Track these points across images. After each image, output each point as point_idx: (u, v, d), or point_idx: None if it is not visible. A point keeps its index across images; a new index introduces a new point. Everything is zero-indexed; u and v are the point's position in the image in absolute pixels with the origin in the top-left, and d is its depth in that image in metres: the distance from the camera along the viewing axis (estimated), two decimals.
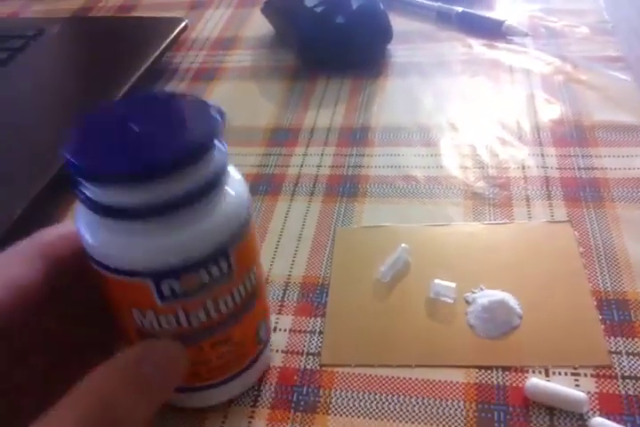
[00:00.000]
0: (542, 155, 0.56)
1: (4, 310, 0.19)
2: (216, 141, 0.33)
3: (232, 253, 0.33)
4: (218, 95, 0.71)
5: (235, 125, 0.65)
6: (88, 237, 0.32)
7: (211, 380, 0.38)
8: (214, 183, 0.32)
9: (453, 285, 0.43)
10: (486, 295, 0.43)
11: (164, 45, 0.76)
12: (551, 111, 0.61)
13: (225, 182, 0.33)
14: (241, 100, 0.70)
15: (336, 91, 0.69)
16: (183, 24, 0.80)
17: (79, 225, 0.32)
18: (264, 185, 0.57)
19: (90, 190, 0.30)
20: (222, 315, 0.35)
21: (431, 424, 0.37)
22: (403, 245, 0.47)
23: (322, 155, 0.60)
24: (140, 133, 0.32)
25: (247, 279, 0.35)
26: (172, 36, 0.78)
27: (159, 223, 0.31)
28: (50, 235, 0.26)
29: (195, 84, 0.74)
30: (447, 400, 0.38)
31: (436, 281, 0.44)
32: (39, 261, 0.24)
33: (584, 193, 0.51)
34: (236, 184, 0.35)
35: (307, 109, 0.66)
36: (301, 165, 0.59)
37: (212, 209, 0.32)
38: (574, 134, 0.57)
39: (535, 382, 0.37)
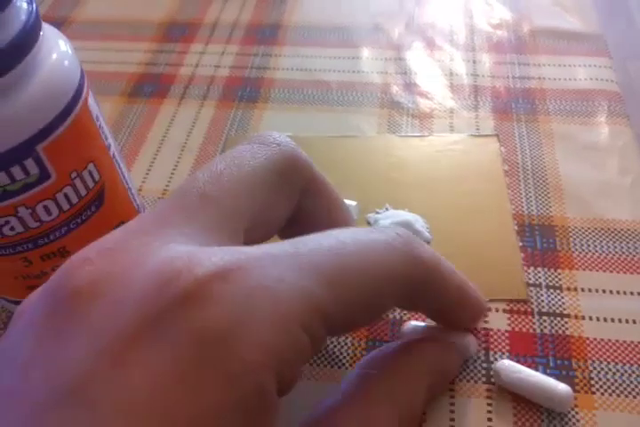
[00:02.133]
0: (474, 61, 0.48)
1: None
2: (19, 2, 0.25)
3: (44, 151, 0.25)
4: None
5: (124, 18, 0.55)
6: None
7: None
8: (4, 63, 0.24)
9: (354, 203, 0.36)
10: (390, 216, 0.36)
11: None
12: (489, 14, 0.53)
13: (31, 60, 0.25)
14: None
15: None
16: None
17: None
18: (150, 86, 0.48)
19: None
20: (46, 223, 0.27)
21: (310, 365, 0.31)
22: None
23: (222, 53, 0.51)
24: None
25: (79, 181, 0.28)
26: None
27: None
28: None
29: None
30: (333, 338, 0.32)
31: None
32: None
33: (516, 105, 0.44)
34: (53, 63, 0.26)
35: (212, 2, 0.57)
36: (197, 65, 0.50)
37: (8, 95, 0.24)
38: (512, 40, 0.50)
39: (413, 326, 0.31)
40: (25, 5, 0.25)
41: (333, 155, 0.41)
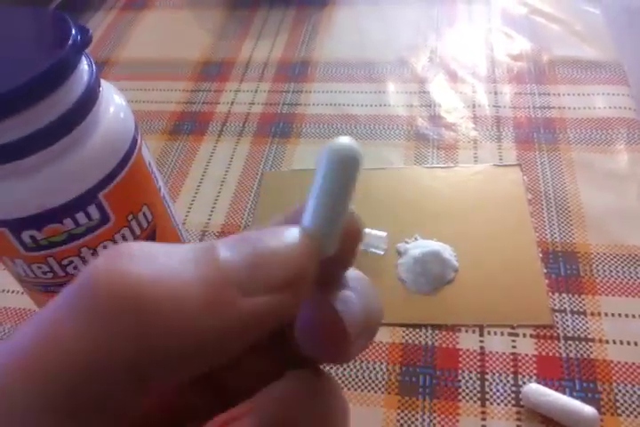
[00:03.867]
0: (495, 92, 0.50)
1: None
2: (82, 65, 0.28)
3: (105, 198, 0.28)
4: (147, 25, 0.64)
5: (162, 58, 0.59)
6: None
7: None
8: (71, 121, 0.27)
9: (384, 234, 0.39)
10: (420, 246, 0.38)
11: None
12: (509, 46, 0.55)
13: (93, 117, 0.28)
14: (172, 30, 0.63)
15: (278, 20, 0.62)
16: None
17: None
18: (189, 124, 0.51)
19: None
20: None
21: (348, 389, 0.33)
22: None
23: (256, 91, 0.54)
24: None
25: (135, 222, 0.30)
26: None
27: (9, 169, 0.26)
28: None
29: (124, 14, 0.66)
30: (369, 362, 0.34)
31: (366, 230, 0.39)
32: None
33: (537, 134, 0.46)
34: (111, 117, 0.29)
35: (244, 41, 0.60)
36: (232, 103, 0.53)
37: (73, 150, 0.27)
38: (532, 71, 0.52)
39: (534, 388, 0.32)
40: (86, 67, 0.28)
41: (364, 187, 0.43)
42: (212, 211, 0.44)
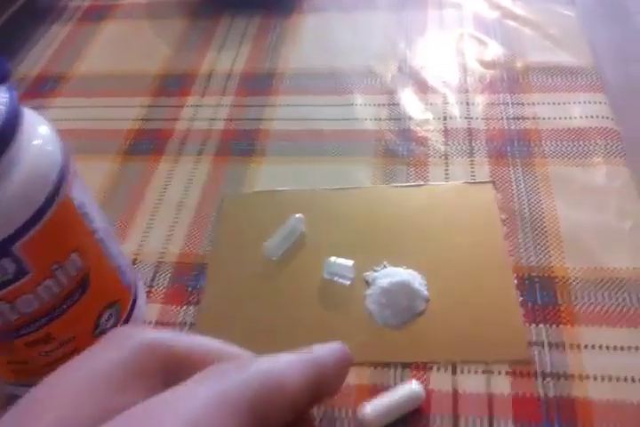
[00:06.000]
0: (467, 103, 0.48)
1: None
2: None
3: (21, 249, 0.25)
4: (106, 37, 0.61)
5: (119, 72, 0.56)
6: None
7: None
8: None
9: (350, 263, 0.36)
10: (388, 275, 0.36)
11: None
12: (482, 52, 0.53)
13: (7, 159, 0.25)
14: (132, 41, 0.60)
15: (241, 29, 0.59)
16: None
17: None
18: (146, 143, 0.48)
19: None
20: (27, 315, 0.28)
21: None
22: (297, 215, 0.40)
23: (218, 106, 0.51)
24: None
25: (61, 272, 0.28)
26: None
27: None
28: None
29: (82, 26, 0.63)
30: (333, 408, 0.32)
31: (332, 259, 0.36)
32: None
33: (511, 148, 0.44)
34: (31, 158, 0.26)
35: (206, 52, 0.57)
36: (193, 119, 0.50)
37: None
38: (505, 78, 0.50)
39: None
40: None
41: (330, 210, 0.41)
42: (168, 239, 0.41)
